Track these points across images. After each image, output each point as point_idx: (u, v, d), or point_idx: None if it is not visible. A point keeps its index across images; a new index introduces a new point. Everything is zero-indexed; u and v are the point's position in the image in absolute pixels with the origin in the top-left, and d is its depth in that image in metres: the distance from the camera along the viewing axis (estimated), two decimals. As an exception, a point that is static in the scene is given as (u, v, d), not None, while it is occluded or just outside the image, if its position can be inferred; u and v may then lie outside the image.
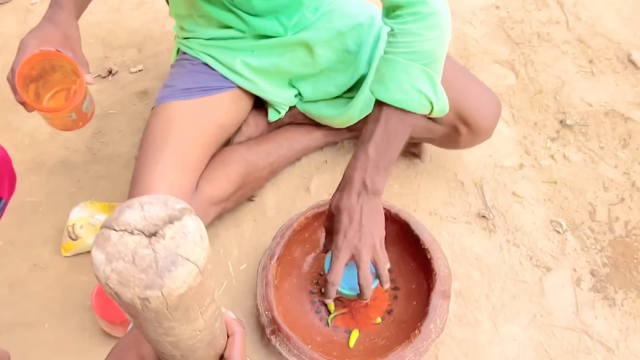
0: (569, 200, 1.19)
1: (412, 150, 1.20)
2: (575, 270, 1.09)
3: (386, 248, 1.03)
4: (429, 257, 0.94)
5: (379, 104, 0.83)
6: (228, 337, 0.54)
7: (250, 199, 1.18)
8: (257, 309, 0.96)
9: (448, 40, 0.82)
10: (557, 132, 1.31)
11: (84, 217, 1.12)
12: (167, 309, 0.32)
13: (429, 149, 1.21)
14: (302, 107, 1.15)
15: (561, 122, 1.33)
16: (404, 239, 1.01)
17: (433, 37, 0.78)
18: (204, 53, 1.08)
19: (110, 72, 1.47)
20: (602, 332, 1.01)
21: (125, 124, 1.36)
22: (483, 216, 1.15)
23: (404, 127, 0.83)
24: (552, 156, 1.26)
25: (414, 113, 0.81)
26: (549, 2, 1.59)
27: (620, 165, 1.25)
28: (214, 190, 1.01)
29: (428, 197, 1.19)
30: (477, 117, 1.01)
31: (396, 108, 0.81)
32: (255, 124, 1.18)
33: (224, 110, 1.08)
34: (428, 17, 0.78)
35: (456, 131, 1.03)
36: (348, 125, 1.11)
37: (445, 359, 0.98)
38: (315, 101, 1.13)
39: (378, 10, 1.06)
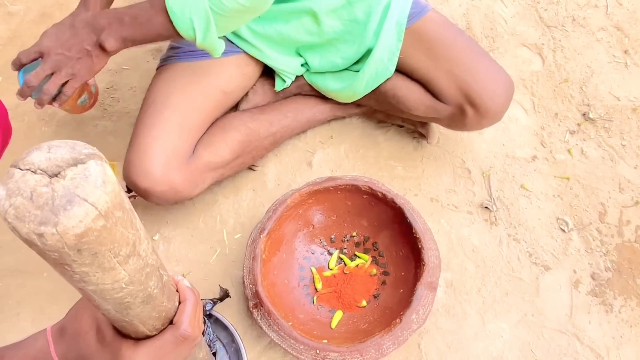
0: (580, 198, 1.14)
1: (419, 130, 1.16)
2: (575, 271, 1.05)
3: (380, 231, 1.02)
4: (419, 246, 0.92)
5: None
6: (179, 303, 0.54)
7: (251, 167, 1.17)
8: (243, 281, 0.97)
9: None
10: (578, 125, 1.25)
11: None
12: (67, 249, 0.32)
13: (438, 131, 1.17)
14: (309, 78, 1.12)
15: (584, 114, 1.26)
16: (398, 225, 0.99)
17: None
18: None
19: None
20: (594, 338, 0.98)
21: (137, 81, 1.36)
22: (486, 207, 1.11)
23: (155, 27, 0.82)
24: (569, 150, 1.21)
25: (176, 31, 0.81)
26: (590, -16, 1.49)
27: (628, 161, 1.19)
28: (211, 155, 1.01)
29: (431, 182, 1.15)
30: (485, 98, 0.96)
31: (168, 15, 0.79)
32: (262, 92, 1.16)
33: (228, 75, 1.05)
34: None
35: (462, 112, 0.99)
36: (353, 100, 1.08)
37: (427, 348, 0.97)
38: (322, 73, 1.10)
39: None
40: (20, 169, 0.33)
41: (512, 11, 1.44)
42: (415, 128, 1.16)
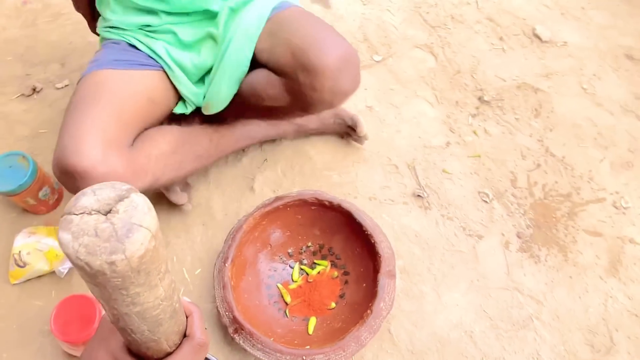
0: (493, 171, 1.30)
1: (348, 124, 1.25)
2: (503, 234, 1.20)
3: (332, 236, 1.11)
4: (372, 241, 1.01)
5: None
6: (187, 317, 0.59)
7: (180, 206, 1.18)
8: (218, 311, 1.00)
9: None
10: (477, 108, 1.42)
11: (30, 243, 1.11)
12: (131, 272, 0.37)
13: (368, 131, 1.27)
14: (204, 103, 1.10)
15: (479, 98, 1.43)
16: (349, 227, 1.07)
17: None
18: (128, 36, 1.06)
19: (34, 89, 1.43)
20: (531, 287, 1.13)
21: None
22: (418, 195, 1.24)
23: None
24: (474, 132, 1.37)
25: None
26: (458, -15, 1.69)
27: (534, 134, 1.37)
28: (150, 146, 0.98)
29: (366, 183, 1.26)
30: (314, 54, 0.89)
31: None
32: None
33: (154, 84, 1.03)
34: None
35: (296, 80, 0.93)
36: (224, 102, 1.05)
37: (397, 331, 1.06)
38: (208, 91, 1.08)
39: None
40: (76, 214, 0.37)
41: (399, 18, 1.60)
42: (345, 123, 1.25)
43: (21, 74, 1.48)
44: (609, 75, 1.51)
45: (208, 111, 1.09)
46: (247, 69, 1.00)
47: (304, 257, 1.11)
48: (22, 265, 1.10)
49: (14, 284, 1.13)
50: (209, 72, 1.06)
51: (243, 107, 1.06)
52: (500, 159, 1.32)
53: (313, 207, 1.08)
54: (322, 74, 0.90)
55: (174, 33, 1.04)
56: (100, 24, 1.13)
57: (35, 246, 1.11)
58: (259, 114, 1.12)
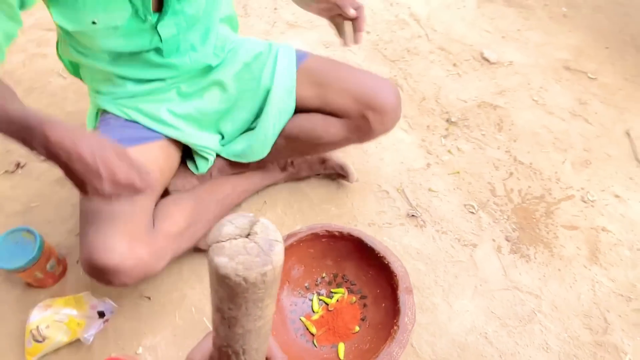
0: (472, 184, 1.42)
1: (339, 172, 1.34)
2: (494, 240, 1.31)
3: (344, 264, 1.17)
4: (386, 262, 1.09)
5: None
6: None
7: (201, 248, 1.22)
8: (251, 352, 1.03)
9: None
10: (447, 129, 1.54)
11: (48, 316, 1.10)
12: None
13: (354, 169, 1.36)
14: (227, 152, 1.21)
15: (447, 120, 1.56)
16: (358, 253, 1.14)
17: None
18: (128, 108, 1.11)
19: (18, 165, 1.43)
20: (528, 284, 1.24)
21: (53, 213, 1.34)
22: (412, 215, 1.33)
23: None
24: (449, 151, 1.49)
25: None
26: (408, 21, 1.85)
27: (501, 146, 1.51)
28: (169, 225, 1.05)
29: (362, 211, 1.34)
30: (380, 98, 1.10)
31: None
32: (184, 177, 1.23)
33: (155, 156, 1.10)
34: None
35: (365, 118, 1.11)
36: (268, 148, 1.17)
37: (418, 344, 1.13)
38: (236, 140, 1.20)
39: (273, 41, 1.20)
40: (224, 241, 0.43)
41: (361, 57, 1.73)
42: (336, 171, 1.34)
43: (1, 151, 1.47)
44: (554, 86, 1.69)
45: (248, 159, 1.18)
46: (290, 116, 1.14)
47: (320, 288, 1.17)
48: (40, 340, 1.09)
49: (32, 362, 1.12)
50: (219, 118, 1.17)
51: (286, 148, 1.17)
52: (477, 173, 1.44)
53: (324, 239, 1.14)
54: (387, 112, 1.11)
55: (177, 88, 1.10)
56: (95, 98, 1.15)
57: (54, 318, 1.10)
58: (305, 151, 1.23)
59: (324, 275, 1.18)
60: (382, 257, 1.09)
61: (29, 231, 1.16)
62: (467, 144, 1.51)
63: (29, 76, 1.65)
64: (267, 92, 1.14)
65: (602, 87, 1.70)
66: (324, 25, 1.82)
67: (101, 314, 1.12)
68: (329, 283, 1.18)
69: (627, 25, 1.91)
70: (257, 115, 1.18)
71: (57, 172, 1.40)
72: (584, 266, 1.28)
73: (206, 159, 1.20)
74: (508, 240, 1.31)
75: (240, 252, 0.42)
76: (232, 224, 0.44)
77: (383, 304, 1.11)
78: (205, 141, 1.17)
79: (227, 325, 0.49)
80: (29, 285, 1.22)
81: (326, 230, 1.13)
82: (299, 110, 1.16)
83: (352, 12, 1.02)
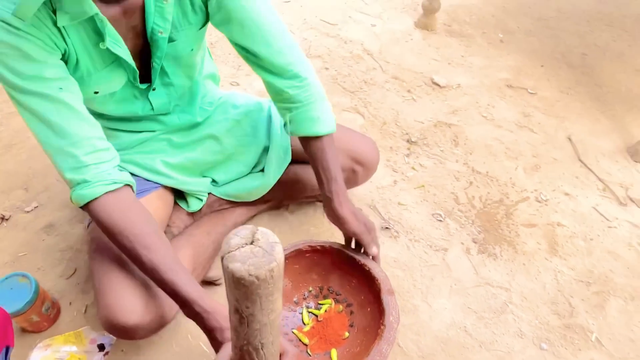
0: (437, 195, 1.54)
1: (320, 199, 1.44)
2: (462, 243, 1.42)
3: (328, 277, 1.25)
4: (367, 269, 1.17)
5: (308, 142, 1.10)
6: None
7: (214, 282, 1.29)
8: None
9: None
10: (408, 149, 1.67)
11: (48, 355, 1.13)
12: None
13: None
14: (219, 192, 1.32)
15: (408, 141, 1.70)
16: (342, 264, 1.23)
17: (320, 88, 1.10)
18: (124, 162, 1.18)
19: (3, 218, 1.47)
20: (498, 279, 1.34)
21: (42, 260, 1.38)
22: (386, 228, 1.43)
23: (335, 147, 1.12)
24: (412, 168, 1.62)
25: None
26: (362, 55, 2.01)
27: (459, 159, 1.65)
28: None
29: (340, 228, 1.43)
30: (368, 155, 1.30)
31: (324, 136, 1.09)
32: (177, 217, 1.32)
33: (154, 207, 1.18)
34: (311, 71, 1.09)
35: (353, 172, 1.30)
36: (263, 193, 1.31)
37: (404, 343, 1.21)
38: (230, 182, 1.31)
39: (261, 98, 1.31)
40: (234, 250, 0.52)
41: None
42: (317, 199, 1.44)
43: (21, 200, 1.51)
44: (499, 103, 1.86)
45: (242, 200, 1.31)
46: (287, 165, 1.27)
47: (309, 301, 1.24)
48: None
49: (34, 405, 1.14)
50: (212, 167, 1.28)
51: (280, 191, 1.31)
52: (440, 185, 1.57)
53: (307, 255, 1.22)
54: (372, 166, 1.33)
55: (168, 139, 1.19)
56: None
57: (54, 357, 1.13)
58: (296, 195, 1.40)
59: (310, 289, 1.25)
60: (363, 264, 1.18)
61: (24, 276, 1.20)
62: (428, 160, 1.64)
63: (8, 133, 1.71)
64: (265, 149, 1.26)
65: (542, 100, 1.88)
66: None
67: (101, 347, 1.16)
68: (316, 296, 1.25)
69: (557, 46, 2.13)
70: (253, 167, 1.29)
71: (42, 220, 1.46)
72: (546, 259, 1.40)
73: (199, 199, 1.29)
74: (475, 242, 1.43)
75: (249, 257, 0.52)
76: (238, 236, 0.55)
77: (368, 309, 1.19)
78: (198, 186, 1.27)
79: (246, 323, 0.58)
80: (24, 330, 1.24)
81: (309, 246, 1.21)
82: (293, 159, 1.28)
83: (374, 251, 1.14)
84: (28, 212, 1.49)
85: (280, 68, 1.05)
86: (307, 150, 1.14)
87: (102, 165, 0.92)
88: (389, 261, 1.37)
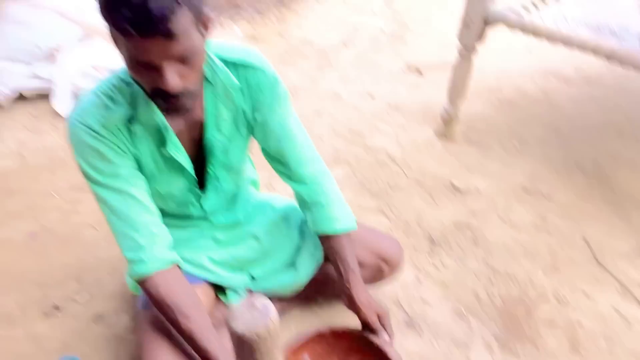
0: (459, 293, 1.62)
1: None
2: (484, 339, 1.48)
3: (348, 358, 1.32)
4: (384, 351, 1.23)
5: (327, 239, 1.25)
6: None
7: None
8: None
9: None
10: (431, 248, 1.78)
11: None
12: (274, 333, 0.65)
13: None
14: (256, 287, 1.43)
15: (430, 240, 1.81)
16: (359, 348, 1.28)
17: (338, 194, 1.28)
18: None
19: (56, 307, 1.60)
20: (520, 377, 1.38)
21: (90, 347, 1.49)
22: (411, 324, 1.51)
23: (354, 243, 1.25)
24: (434, 266, 1.71)
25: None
26: (387, 162, 2.19)
27: (479, 259, 1.74)
28: None
29: (366, 323, 1.51)
30: (392, 254, 1.41)
31: (342, 234, 1.23)
32: (220, 313, 1.43)
33: (203, 299, 1.31)
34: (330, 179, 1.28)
35: (380, 269, 1.41)
36: (298, 290, 1.41)
37: None
38: (266, 279, 1.43)
39: (290, 199, 1.47)
40: (237, 315, 0.65)
41: (349, 193, 2.03)
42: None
43: (40, 296, 1.65)
44: (516, 206, 1.98)
45: (277, 295, 1.41)
46: (319, 265, 1.39)
47: None
48: None
49: None
50: (251, 264, 1.40)
51: (311, 288, 1.42)
52: (461, 282, 1.65)
53: (328, 338, 1.30)
54: (397, 264, 1.44)
55: (213, 236, 1.35)
56: None
57: None
58: (328, 292, 1.51)
59: None
60: (380, 347, 1.25)
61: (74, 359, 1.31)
62: (450, 259, 1.74)
63: (65, 230, 1.89)
64: (298, 248, 1.40)
65: (558, 204, 1.99)
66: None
67: None
68: None
69: (571, 154, 2.27)
70: (287, 265, 1.42)
71: (92, 310, 1.59)
72: (568, 358, 1.44)
73: (237, 293, 1.41)
74: (497, 340, 1.48)
75: (249, 319, 0.67)
76: (240, 305, 0.69)
77: None
78: (238, 282, 1.40)
79: None
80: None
81: (330, 330, 1.30)
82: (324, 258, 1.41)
83: (385, 337, 1.26)
84: (80, 303, 1.62)
85: (305, 177, 1.25)
86: (326, 246, 1.30)
87: (155, 247, 1.09)
88: (414, 357, 1.43)
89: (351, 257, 1.26)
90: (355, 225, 1.29)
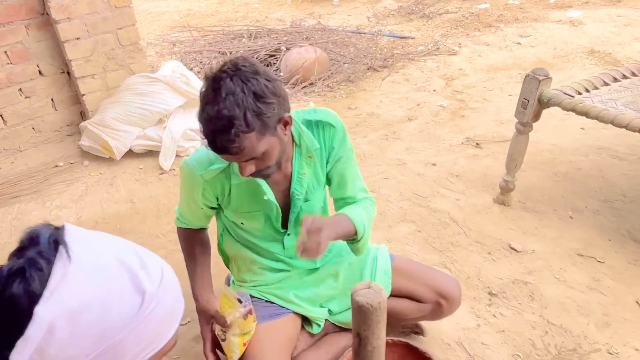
0: (516, 340, 1.79)
1: (415, 330, 1.76)
2: (540, 382, 1.64)
3: None
4: (427, 356, 1.42)
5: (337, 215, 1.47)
6: None
7: None
8: None
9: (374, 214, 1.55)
10: (490, 300, 1.97)
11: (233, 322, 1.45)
12: (383, 308, 0.96)
13: (427, 327, 1.77)
14: (334, 319, 1.67)
15: (489, 293, 2.00)
16: (409, 356, 1.47)
17: (373, 209, 1.53)
18: (266, 293, 1.62)
19: (164, 328, 1.89)
20: (574, 416, 1.52)
21: (191, 362, 1.76)
22: (471, 362, 1.69)
23: (346, 231, 1.43)
24: (493, 315, 1.90)
25: (353, 230, 1.42)
26: (449, 223, 2.43)
27: (535, 312, 1.91)
28: None
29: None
30: (451, 291, 1.61)
31: (352, 222, 1.43)
32: (302, 339, 1.67)
33: (287, 327, 1.57)
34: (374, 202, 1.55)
35: (439, 305, 1.62)
36: None
37: None
38: (342, 312, 1.67)
39: (370, 243, 1.73)
40: (359, 291, 0.90)
41: (415, 249, 2.26)
42: (412, 329, 1.76)
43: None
44: (570, 268, 2.15)
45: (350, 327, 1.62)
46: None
47: None
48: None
49: None
50: (329, 300, 1.66)
51: None
52: (518, 331, 1.83)
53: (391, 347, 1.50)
54: (455, 300, 1.60)
55: (300, 278, 1.63)
56: (240, 282, 1.69)
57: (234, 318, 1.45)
58: (392, 323, 1.65)
59: None
60: (424, 352, 1.44)
61: None
62: (507, 310, 1.92)
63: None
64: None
65: (610, 268, 2.15)
66: (384, 227, 2.41)
67: (239, 301, 1.47)
68: None
69: (623, 224, 2.43)
70: None
71: (193, 332, 1.86)
72: (619, 404, 1.57)
73: (318, 324, 1.66)
74: (552, 383, 1.63)
75: (366, 295, 0.89)
76: (360, 284, 0.92)
77: None
78: (319, 314, 1.65)
79: (364, 345, 0.92)
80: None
81: (391, 340, 1.50)
82: (391, 294, 1.65)
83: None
84: (182, 324, 1.91)
85: (352, 200, 1.57)
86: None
87: (189, 219, 1.58)
88: (474, 389, 1.60)
89: (343, 220, 1.42)
90: (362, 230, 1.45)
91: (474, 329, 1.84)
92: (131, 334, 0.65)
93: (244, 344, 1.47)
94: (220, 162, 1.38)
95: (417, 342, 1.70)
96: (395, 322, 1.70)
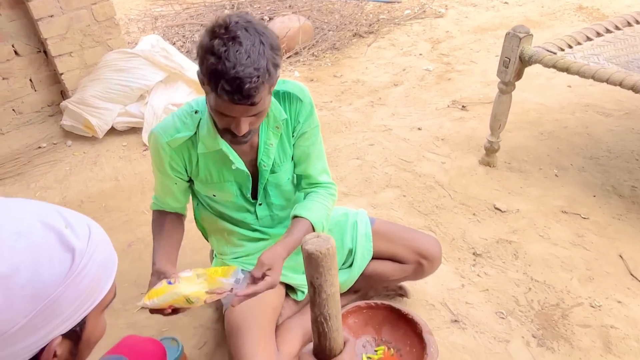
0: (499, 298, 1.81)
1: (399, 292, 1.77)
2: (522, 337, 1.66)
3: (381, 328, 1.52)
4: (410, 317, 1.43)
5: (296, 219, 1.44)
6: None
7: None
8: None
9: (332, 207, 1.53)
10: (474, 260, 1.99)
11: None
12: (333, 255, 1.17)
13: (411, 289, 1.79)
14: None
15: (474, 253, 2.01)
16: (392, 317, 1.48)
17: (331, 203, 1.51)
18: (248, 264, 1.61)
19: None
20: (555, 368, 1.55)
21: (180, 334, 1.76)
22: (455, 321, 1.71)
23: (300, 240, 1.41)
24: (478, 275, 1.91)
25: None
26: (434, 186, 2.42)
27: (519, 270, 1.93)
28: (290, 348, 1.47)
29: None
30: (431, 251, 1.61)
31: (303, 219, 1.42)
32: (288, 306, 1.68)
33: (271, 296, 1.55)
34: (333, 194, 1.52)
35: (420, 265, 1.62)
36: (351, 285, 1.65)
37: (472, 414, 1.43)
38: None
39: (347, 209, 1.72)
40: (309, 241, 0.91)
41: (400, 213, 2.26)
42: (396, 292, 1.77)
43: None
44: (555, 225, 2.15)
45: (343, 289, 1.65)
46: (367, 263, 1.63)
47: (366, 350, 1.51)
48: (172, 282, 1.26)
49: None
50: None
51: (362, 282, 1.68)
52: (502, 290, 1.84)
53: (364, 310, 1.51)
54: (435, 260, 1.62)
55: None
56: (220, 255, 1.68)
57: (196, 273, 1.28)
58: (375, 285, 1.76)
59: (368, 339, 1.53)
60: (407, 314, 1.45)
61: (174, 339, 1.58)
62: (492, 269, 1.94)
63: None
64: (350, 251, 1.65)
65: (594, 224, 2.15)
66: (369, 193, 2.41)
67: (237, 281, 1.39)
68: (372, 345, 1.52)
69: (608, 179, 2.43)
70: (341, 266, 1.67)
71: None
72: (601, 355, 1.60)
73: (302, 292, 1.66)
74: (534, 337, 1.66)
75: (315, 243, 0.89)
76: (310, 235, 0.92)
77: (414, 350, 1.44)
78: (303, 281, 1.64)
79: (318, 293, 0.92)
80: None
81: (365, 303, 1.52)
82: (372, 257, 1.65)
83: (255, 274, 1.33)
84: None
85: (312, 180, 1.53)
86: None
87: (166, 201, 1.52)
88: (457, 348, 1.62)
89: (296, 234, 1.40)
90: (320, 228, 1.45)
91: (458, 289, 1.85)
92: (67, 291, 0.66)
93: (205, 301, 1.36)
94: (186, 131, 1.36)
95: (401, 304, 1.72)
96: (379, 283, 1.71)
